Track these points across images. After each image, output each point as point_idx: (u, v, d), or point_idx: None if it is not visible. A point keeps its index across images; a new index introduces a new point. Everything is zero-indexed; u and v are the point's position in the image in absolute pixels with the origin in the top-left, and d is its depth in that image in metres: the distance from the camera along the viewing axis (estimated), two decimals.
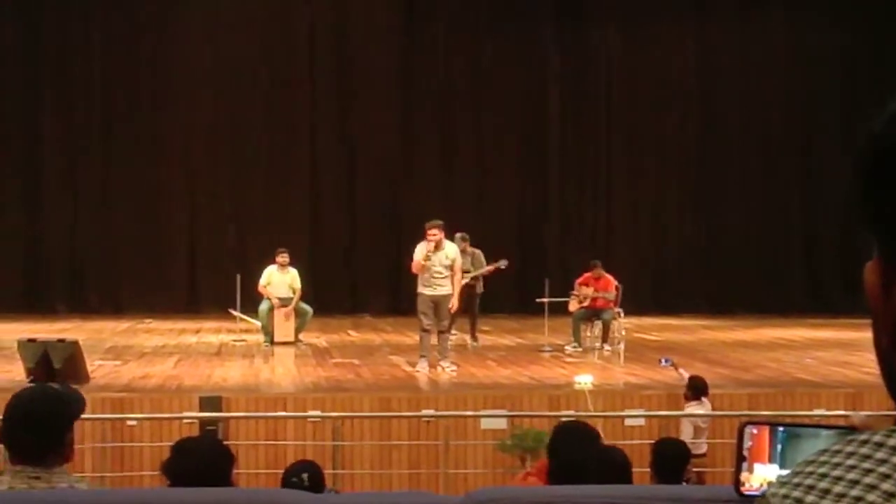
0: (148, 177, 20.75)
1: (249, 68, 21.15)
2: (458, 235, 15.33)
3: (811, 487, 0.78)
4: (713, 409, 10.40)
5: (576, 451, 4.46)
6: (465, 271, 15.18)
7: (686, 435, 9.71)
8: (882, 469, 0.77)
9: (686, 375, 10.78)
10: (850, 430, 1.26)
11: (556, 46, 21.90)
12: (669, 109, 22.19)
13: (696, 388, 10.24)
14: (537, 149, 21.92)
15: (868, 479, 0.77)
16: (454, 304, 13.10)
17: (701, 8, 22.06)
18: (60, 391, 3.59)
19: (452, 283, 13.07)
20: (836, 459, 0.80)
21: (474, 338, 15.75)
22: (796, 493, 0.79)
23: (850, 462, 0.79)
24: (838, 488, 0.77)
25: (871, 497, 0.74)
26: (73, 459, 3.42)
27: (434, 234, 12.97)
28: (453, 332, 15.70)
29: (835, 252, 22.15)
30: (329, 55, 21.49)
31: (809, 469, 0.80)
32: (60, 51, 20.80)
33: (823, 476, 0.79)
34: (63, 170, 20.89)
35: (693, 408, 10.18)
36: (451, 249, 13.20)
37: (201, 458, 4.16)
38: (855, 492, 0.76)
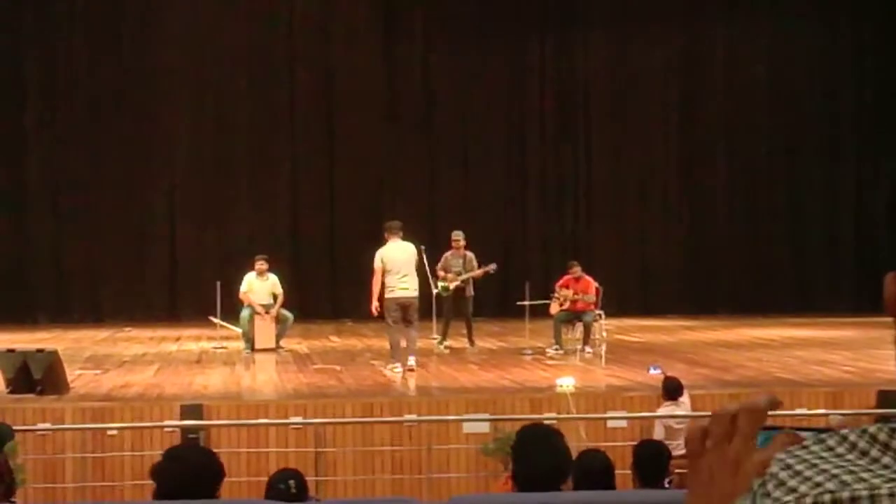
0: (128, 185, 20.70)
1: (230, 77, 21.12)
2: (453, 233, 15.48)
3: (789, 467, 0.91)
4: (694, 409, 10.41)
5: (539, 452, 4.46)
6: (456, 273, 15.28)
7: (658, 436, 9.71)
8: (845, 464, 0.89)
9: None
10: (828, 432, 1.26)
11: (540, 51, 21.94)
12: (653, 111, 22.24)
13: (669, 390, 10.27)
14: (520, 152, 21.95)
15: (835, 471, 0.89)
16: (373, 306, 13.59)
17: (687, 11, 22.10)
18: None
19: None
20: (815, 448, 0.93)
21: (471, 342, 15.71)
22: (783, 475, 0.90)
23: (815, 460, 0.91)
24: (807, 473, 0.89)
25: (829, 485, 0.86)
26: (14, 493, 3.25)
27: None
28: (433, 336, 15.73)
29: (817, 251, 22.26)
30: (311, 59, 21.47)
31: (798, 453, 0.92)
32: (44, 61, 20.72)
33: (802, 460, 0.91)
34: (44, 180, 20.82)
35: (667, 408, 10.20)
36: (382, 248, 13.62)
37: (192, 468, 4.14)
38: (819, 478, 0.88)
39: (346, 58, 21.36)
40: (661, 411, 10.13)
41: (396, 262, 13.36)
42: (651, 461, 5.60)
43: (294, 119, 21.46)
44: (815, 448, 0.92)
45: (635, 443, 6.60)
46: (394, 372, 13.24)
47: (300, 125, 21.46)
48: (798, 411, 10.78)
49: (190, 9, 21.04)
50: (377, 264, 13.46)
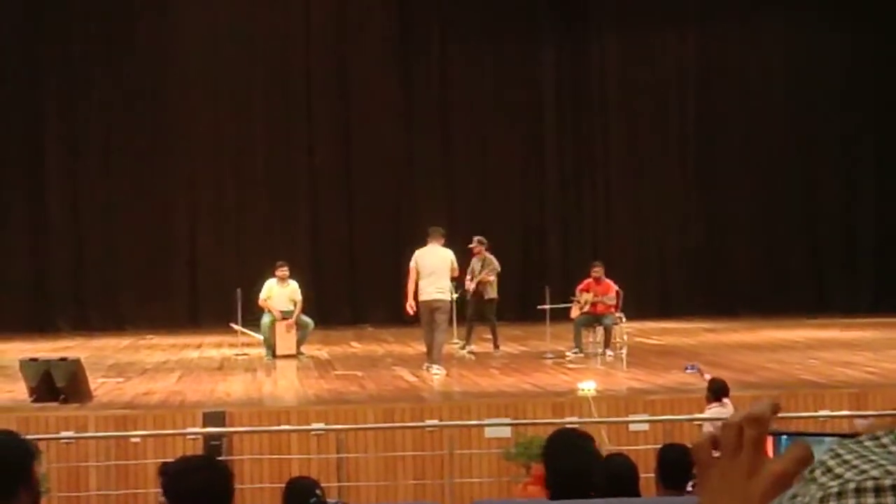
0: (148, 194, 20.77)
1: (248, 85, 21.17)
2: (476, 239, 15.68)
3: (838, 456, 0.96)
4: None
5: (569, 458, 4.44)
6: (471, 278, 15.45)
7: None
8: (880, 460, 0.95)
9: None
10: (854, 436, 1.27)
11: (555, 52, 21.92)
12: (669, 113, 22.20)
13: (716, 390, 10.16)
14: (537, 155, 21.94)
15: (882, 462, 0.95)
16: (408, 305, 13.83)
17: (700, 13, 22.07)
18: (15, 433, 3.48)
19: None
20: (869, 443, 0.98)
21: (496, 346, 15.77)
22: (831, 463, 0.96)
23: (865, 452, 0.97)
24: (854, 462, 0.95)
25: (874, 473, 0.92)
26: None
27: None
28: (455, 340, 15.76)
29: (836, 252, 22.17)
30: (327, 66, 21.51)
31: (851, 445, 0.97)
32: (61, 74, 20.76)
33: (852, 451, 0.96)
34: (65, 188, 20.91)
35: (714, 410, 10.09)
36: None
37: (200, 481, 4.12)
38: (866, 466, 0.94)
39: (362, 65, 21.37)
40: (709, 413, 10.04)
41: (427, 266, 13.66)
42: (675, 466, 5.59)
43: (311, 126, 21.49)
44: (868, 443, 0.97)
45: (658, 446, 6.58)
46: (429, 372, 13.49)
47: (318, 132, 21.49)
48: (822, 413, 10.74)
49: (205, 28, 21.08)
50: (411, 265, 13.84)
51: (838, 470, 0.95)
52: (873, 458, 0.95)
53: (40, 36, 20.66)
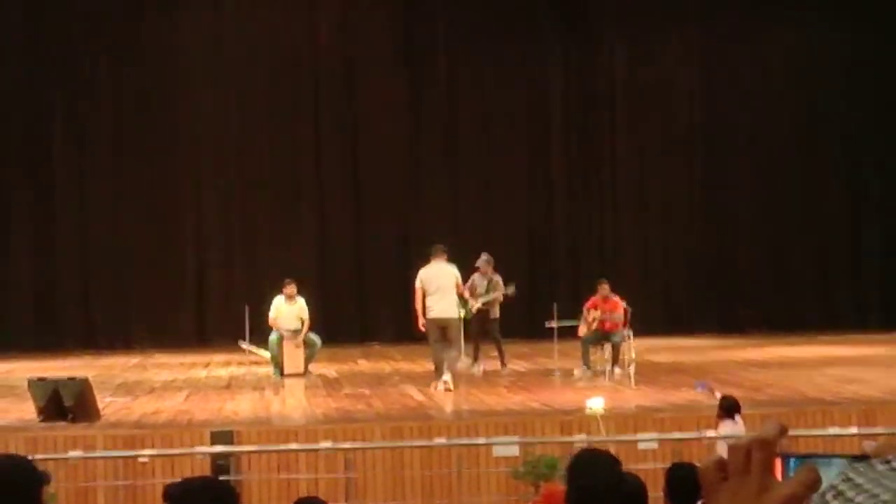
0: (156, 212, 20.79)
1: (253, 104, 21.19)
2: (483, 257, 15.61)
3: (850, 480, 1.00)
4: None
5: (595, 477, 4.40)
6: (478, 296, 15.40)
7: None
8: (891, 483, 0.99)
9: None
10: (862, 457, 1.26)
11: (560, 62, 21.96)
12: (675, 124, 22.21)
13: (728, 408, 10.13)
14: (543, 170, 21.95)
15: (893, 486, 0.99)
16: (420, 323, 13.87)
17: (701, 13, 22.10)
18: (26, 459, 3.47)
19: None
20: (881, 468, 1.02)
21: (503, 364, 15.76)
22: (843, 486, 0.99)
23: (876, 476, 1.01)
24: (866, 486, 0.99)
25: (885, 496, 0.95)
26: None
27: None
28: (462, 359, 15.74)
29: (845, 268, 22.15)
30: (333, 78, 21.53)
31: (863, 470, 1.01)
32: (67, 88, 20.78)
33: (863, 475, 1.00)
34: (72, 206, 20.91)
35: (726, 427, 10.06)
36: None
37: (205, 502, 4.10)
38: (877, 490, 0.98)
39: (369, 79, 21.41)
40: (722, 430, 10.01)
41: (432, 283, 13.70)
42: (684, 486, 5.56)
43: (318, 143, 21.52)
44: (880, 467, 1.00)
45: (667, 465, 6.55)
46: (436, 390, 13.43)
47: (324, 149, 21.51)
48: (831, 430, 10.70)
49: (210, 47, 21.15)
50: (416, 284, 13.90)
51: (850, 494, 0.95)
52: (885, 481, 0.95)
53: (41, 36, 20.63)
